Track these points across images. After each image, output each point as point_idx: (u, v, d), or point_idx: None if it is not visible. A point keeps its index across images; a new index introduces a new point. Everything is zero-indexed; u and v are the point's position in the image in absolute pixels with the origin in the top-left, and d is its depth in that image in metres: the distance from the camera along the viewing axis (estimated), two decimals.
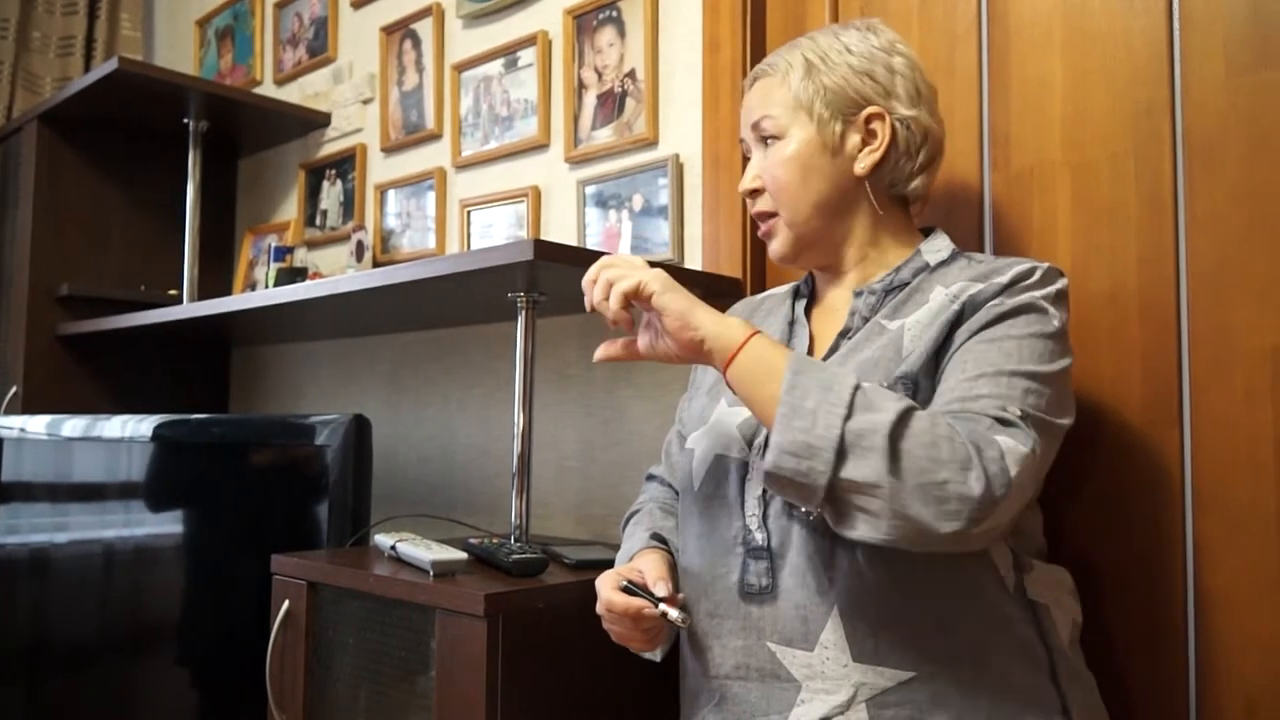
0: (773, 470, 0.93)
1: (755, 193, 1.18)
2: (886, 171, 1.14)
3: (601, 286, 1.03)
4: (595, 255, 1.41)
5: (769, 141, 1.16)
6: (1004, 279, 1.02)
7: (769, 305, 1.28)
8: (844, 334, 1.11)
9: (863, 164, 1.13)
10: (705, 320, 1.00)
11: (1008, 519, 0.92)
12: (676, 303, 1.00)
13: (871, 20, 1.18)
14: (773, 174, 1.15)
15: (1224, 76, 1.20)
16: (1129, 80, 1.27)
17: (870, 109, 1.12)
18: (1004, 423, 0.92)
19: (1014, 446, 0.90)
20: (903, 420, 0.90)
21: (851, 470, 0.89)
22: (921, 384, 1.00)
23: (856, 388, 0.92)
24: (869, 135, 1.13)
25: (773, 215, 1.17)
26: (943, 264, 1.11)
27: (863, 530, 0.91)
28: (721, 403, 1.16)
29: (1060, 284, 1.04)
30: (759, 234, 1.21)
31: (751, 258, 1.61)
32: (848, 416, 0.90)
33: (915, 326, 1.04)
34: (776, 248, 1.18)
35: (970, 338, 1.00)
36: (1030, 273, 1.03)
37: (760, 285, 1.62)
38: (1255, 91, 1.18)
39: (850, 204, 1.15)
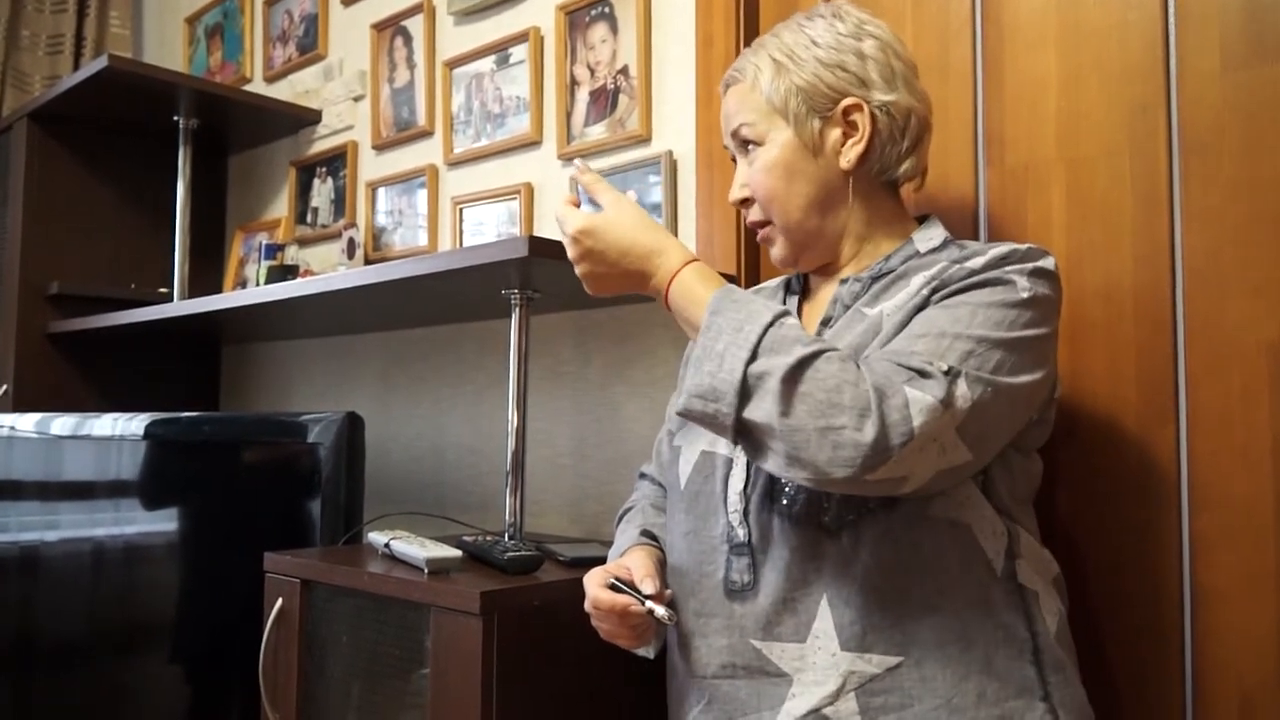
0: (684, 412, 0.96)
1: (746, 202, 1.17)
2: (874, 160, 1.12)
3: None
4: None
5: (750, 148, 1.14)
6: (979, 261, 1.00)
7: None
8: (825, 323, 1.10)
9: (847, 158, 1.11)
10: (645, 287, 1.07)
11: (922, 470, 0.90)
12: (618, 291, 1.10)
13: (837, 4, 1.15)
14: (758, 181, 1.13)
15: (1219, 72, 1.20)
16: (1124, 76, 1.27)
17: (846, 101, 1.09)
18: (923, 374, 0.90)
19: (920, 397, 0.88)
20: (804, 364, 0.90)
21: (751, 411, 0.91)
22: None
23: (770, 325, 0.93)
24: (849, 128, 1.10)
25: (766, 223, 1.16)
26: (933, 251, 1.10)
27: (771, 465, 0.93)
28: None
29: (1041, 261, 1.01)
30: (757, 240, 1.19)
31: (745, 254, 1.61)
32: (751, 359, 0.91)
33: (895, 312, 1.02)
34: (777, 254, 1.17)
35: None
36: (1010, 254, 1.01)
37: (755, 281, 1.61)
38: (1251, 87, 1.18)
39: (841, 199, 1.13)
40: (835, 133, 1.11)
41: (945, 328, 0.95)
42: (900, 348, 0.94)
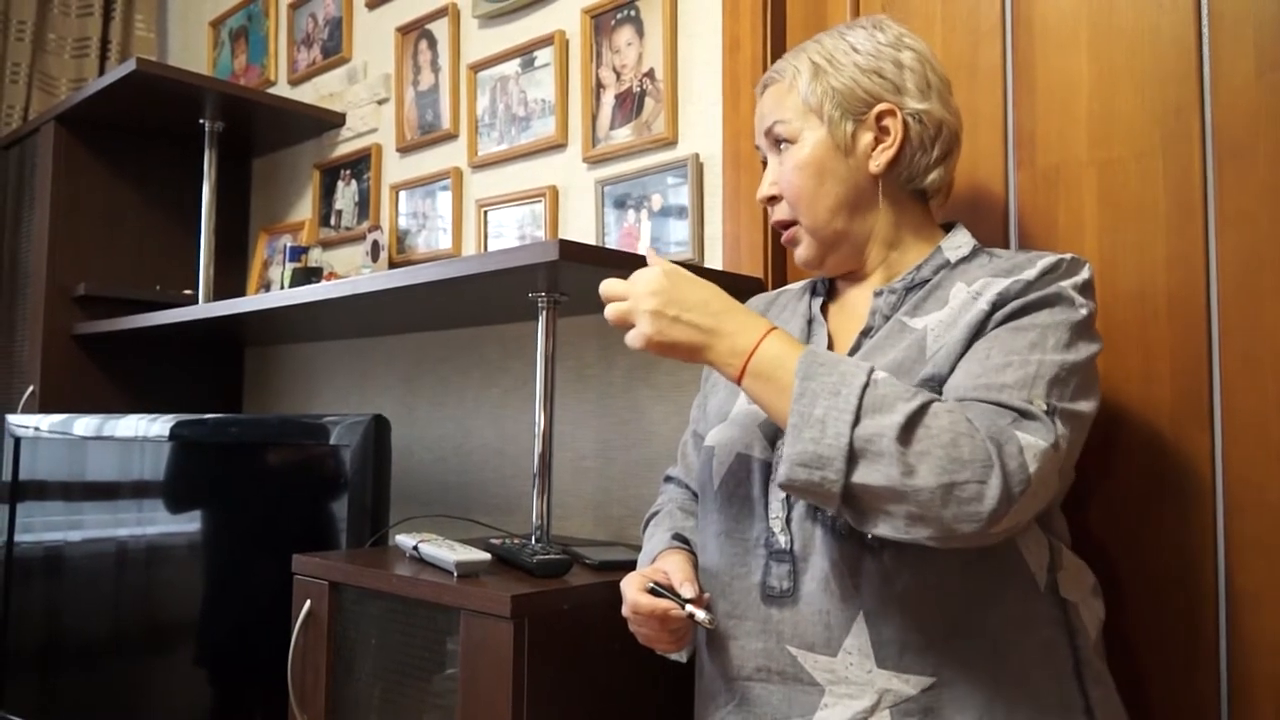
0: (786, 483, 0.93)
1: (774, 200, 1.18)
2: (903, 167, 1.13)
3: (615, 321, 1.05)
4: (617, 255, 1.40)
5: (783, 146, 1.16)
6: (1031, 273, 1.01)
7: (784, 301, 1.27)
8: (865, 333, 1.10)
9: (877, 162, 1.12)
10: (714, 349, 1.00)
11: (1030, 513, 0.91)
12: (676, 351, 1.01)
13: (878, 17, 1.17)
14: (788, 180, 1.14)
15: (1254, 74, 1.19)
16: (1157, 78, 1.26)
17: (881, 106, 1.11)
18: (1026, 415, 0.91)
19: (1033, 442, 0.89)
20: (915, 420, 0.89)
21: (863, 476, 0.89)
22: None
23: (866, 386, 0.91)
24: (881, 133, 1.12)
25: (792, 223, 1.17)
26: (963, 260, 1.11)
27: (883, 529, 0.91)
28: (741, 398, 1.16)
29: (1086, 274, 1.03)
30: (781, 241, 1.20)
31: (772, 257, 1.61)
32: (856, 422, 0.89)
33: (938, 327, 1.03)
34: (802, 254, 1.18)
35: (996, 326, 0.99)
36: (1056, 265, 1.02)
37: (780, 284, 1.61)
38: None
39: (869, 203, 1.14)
40: (867, 136, 1.12)
41: (1026, 354, 0.95)
42: (990, 381, 0.94)
